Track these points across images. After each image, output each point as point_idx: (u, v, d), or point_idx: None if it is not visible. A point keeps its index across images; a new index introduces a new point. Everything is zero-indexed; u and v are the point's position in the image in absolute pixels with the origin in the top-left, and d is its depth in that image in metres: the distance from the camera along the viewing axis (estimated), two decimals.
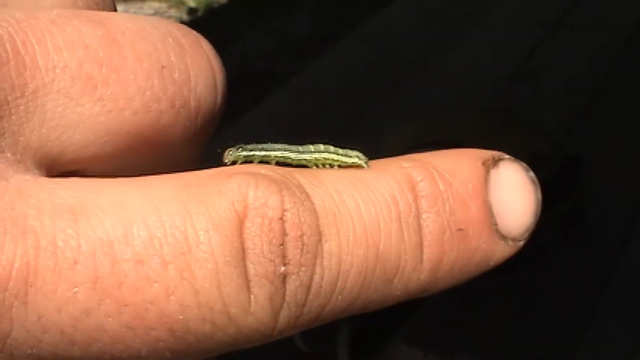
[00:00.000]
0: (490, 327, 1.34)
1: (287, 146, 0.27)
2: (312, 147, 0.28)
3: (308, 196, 0.24)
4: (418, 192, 0.26)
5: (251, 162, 0.27)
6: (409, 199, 0.26)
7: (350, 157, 0.28)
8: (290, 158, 0.27)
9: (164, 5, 2.86)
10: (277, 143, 0.28)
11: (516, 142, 1.42)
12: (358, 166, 0.27)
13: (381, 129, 1.60)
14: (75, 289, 0.22)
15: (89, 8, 0.27)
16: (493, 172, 0.27)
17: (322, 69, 2.18)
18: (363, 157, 0.27)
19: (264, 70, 2.35)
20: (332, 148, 0.28)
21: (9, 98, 0.23)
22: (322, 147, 0.28)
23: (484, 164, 0.27)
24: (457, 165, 0.27)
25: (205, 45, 0.26)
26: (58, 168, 0.24)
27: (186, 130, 0.25)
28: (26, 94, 0.23)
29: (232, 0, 2.90)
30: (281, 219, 0.23)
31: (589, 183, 1.48)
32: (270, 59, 2.40)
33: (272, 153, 0.27)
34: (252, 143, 0.27)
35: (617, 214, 1.57)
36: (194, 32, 0.27)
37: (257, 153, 0.27)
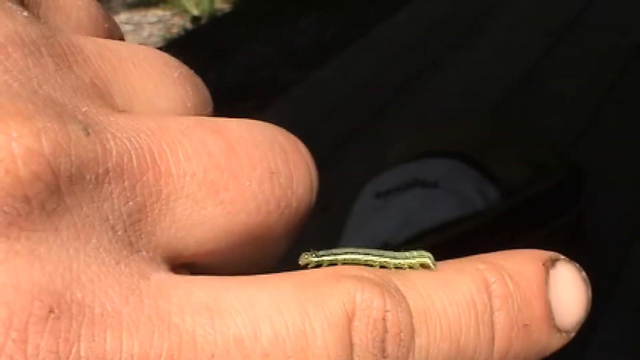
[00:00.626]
0: None
1: (354, 250, 0.31)
2: (377, 252, 0.31)
3: (404, 297, 0.28)
4: (492, 292, 0.30)
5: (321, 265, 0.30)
6: (485, 299, 0.29)
7: (415, 258, 0.31)
8: (359, 260, 0.31)
9: (167, 13, 2.88)
10: (345, 248, 0.31)
11: (520, 152, 1.42)
12: (427, 266, 0.31)
13: (385, 138, 1.60)
14: None
15: (196, 108, 0.31)
16: (552, 272, 0.31)
17: (326, 79, 2.19)
18: (431, 257, 0.31)
19: (268, 79, 2.36)
20: (399, 253, 0.31)
21: (147, 203, 0.26)
22: (389, 252, 0.31)
23: (544, 265, 0.31)
24: (522, 267, 0.31)
25: (303, 150, 0.30)
26: (178, 262, 0.27)
27: (286, 227, 0.29)
28: (161, 199, 0.26)
29: (235, 9, 2.91)
30: (383, 318, 0.27)
31: (592, 193, 1.48)
32: (274, 68, 2.41)
33: (340, 257, 0.31)
34: (322, 249, 0.30)
35: (620, 223, 1.57)
36: (294, 137, 0.30)
37: (325, 258, 0.30)
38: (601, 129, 1.87)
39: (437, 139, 1.46)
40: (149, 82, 0.30)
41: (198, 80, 0.32)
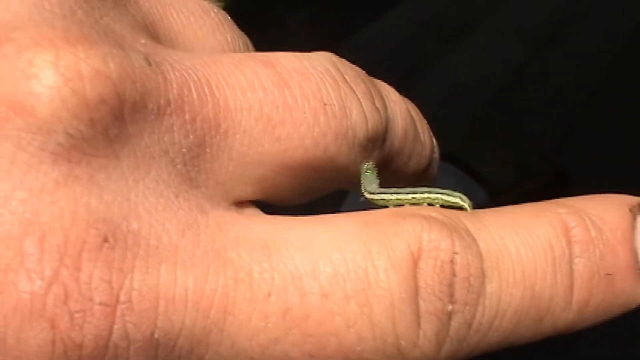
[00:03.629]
0: None
1: (384, 189, 0.30)
2: (407, 189, 0.30)
3: (474, 240, 0.26)
4: (572, 237, 0.27)
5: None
6: (563, 244, 0.27)
7: (454, 197, 0.29)
8: (391, 200, 0.29)
9: None
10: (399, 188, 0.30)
11: (506, 154, 1.43)
12: (460, 207, 0.29)
13: None
14: (267, 319, 0.23)
15: (235, 47, 0.31)
16: (639, 218, 0.29)
17: None
18: (467, 199, 0.29)
19: None
20: (431, 189, 0.30)
21: (207, 137, 0.25)
22: (421, 189, 0.30)
23: (631, 210, 0.29)
24: (606, 212, 0.29)
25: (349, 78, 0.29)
26: (235, 199, 0.26)
27: (346, 156, 0.28)
28: (219, 133, 0.25)
29: (225, 9, 2.89)
30: (451, 261, 0.25)
31: (577, 195, 1.49)
32: None
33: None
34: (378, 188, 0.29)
35: None
36: (340, 66, 0.30)
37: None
38: (585, 131, 1.88)
39: None
40: (189, 30, 0.29)
41: (236, 27, 0.31)
